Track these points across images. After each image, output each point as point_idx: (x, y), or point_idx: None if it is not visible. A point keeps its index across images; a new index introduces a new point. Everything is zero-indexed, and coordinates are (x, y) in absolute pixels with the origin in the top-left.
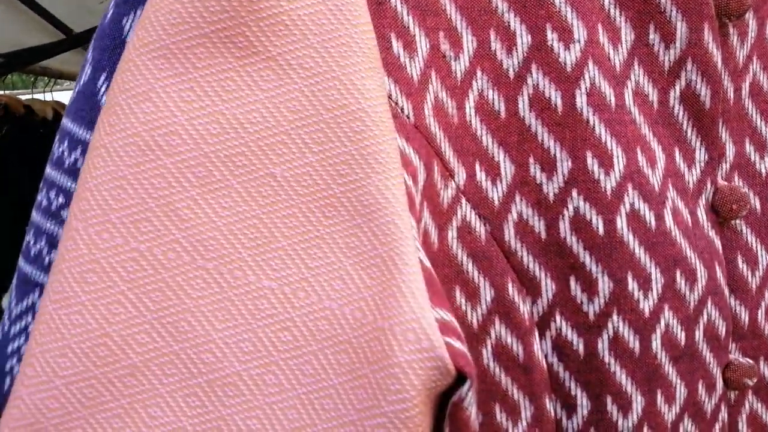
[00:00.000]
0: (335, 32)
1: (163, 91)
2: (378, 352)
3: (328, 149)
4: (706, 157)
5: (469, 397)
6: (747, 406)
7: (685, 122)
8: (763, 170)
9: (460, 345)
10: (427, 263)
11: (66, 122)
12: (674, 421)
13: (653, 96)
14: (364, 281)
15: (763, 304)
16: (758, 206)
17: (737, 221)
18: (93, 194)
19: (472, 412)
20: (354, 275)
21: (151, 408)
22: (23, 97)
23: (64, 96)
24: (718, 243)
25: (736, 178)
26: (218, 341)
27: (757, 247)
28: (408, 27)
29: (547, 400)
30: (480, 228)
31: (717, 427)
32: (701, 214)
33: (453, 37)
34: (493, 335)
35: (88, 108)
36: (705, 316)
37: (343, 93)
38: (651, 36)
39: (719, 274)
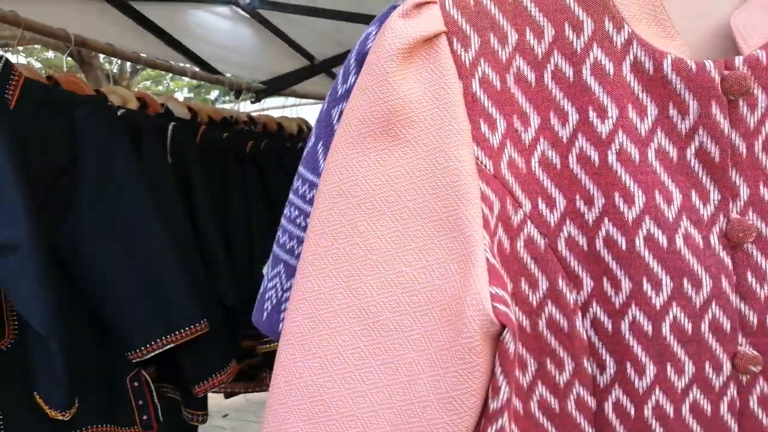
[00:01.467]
0: (443, 122)
1: (350, 161)
2: (459, 311)
3: (438, 191)
4: (719, 197)
5: (508, 337)
6: (758, 388)
7: (700, 172)
8: None
9: (504, 308)
10: (492, 259)
11: (301, 168)
12: (684, 388)
13: (673, 153)
14: (456, 269)
15: None
16: None
17: (748, 245)
18: (316, 217)
19: (511, 347)
20: (451, 266)
21: (342, 336)
22: (275, 115)
23: (306, 112)
24: (728, 261)
25: (750, 213)
26: (378, 300)
27: (765, 266)
28: (491, 114)
29: (585, 360)
30: (540, 241)
31: (726, 399)
32: (714, 239)
33: (523, 118)
34: (546, 312)
35: (312, 161)
36: (710, 314)
37: (447, 158)
38: (671, 111)
39: (725, 283)
